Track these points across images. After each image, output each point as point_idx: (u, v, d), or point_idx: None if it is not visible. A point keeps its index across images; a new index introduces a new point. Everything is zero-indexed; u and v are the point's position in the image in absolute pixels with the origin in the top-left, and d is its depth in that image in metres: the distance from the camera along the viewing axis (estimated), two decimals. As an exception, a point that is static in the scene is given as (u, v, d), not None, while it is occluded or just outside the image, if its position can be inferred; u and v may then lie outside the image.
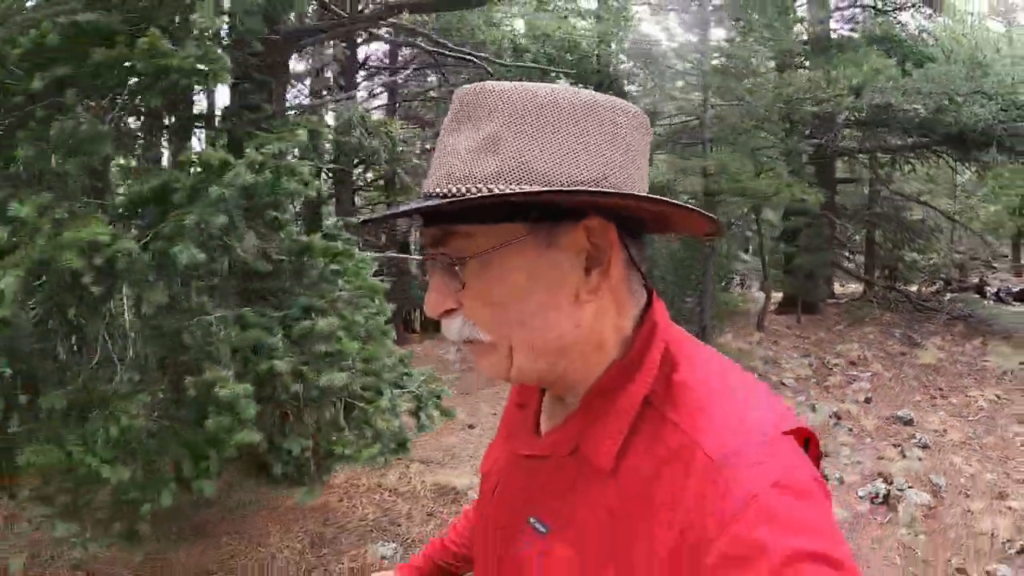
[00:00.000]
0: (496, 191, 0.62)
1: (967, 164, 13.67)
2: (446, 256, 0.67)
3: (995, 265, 19.83)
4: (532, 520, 0.71)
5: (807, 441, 0.65)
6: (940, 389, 9.04)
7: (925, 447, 6.80)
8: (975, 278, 17.44)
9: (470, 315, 0.68)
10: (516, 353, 0.68)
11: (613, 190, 0.65)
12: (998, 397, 8.54)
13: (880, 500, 5.51)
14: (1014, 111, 10.62)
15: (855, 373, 9.73)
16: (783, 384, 8.99)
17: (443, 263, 0.68)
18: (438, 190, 0.65)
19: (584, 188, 0.63)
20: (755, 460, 0.58)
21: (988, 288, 16.76)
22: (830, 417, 7.64)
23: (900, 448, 6.77)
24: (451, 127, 0.67)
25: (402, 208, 0.67)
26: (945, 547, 4.76)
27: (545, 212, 0.65)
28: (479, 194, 0.62)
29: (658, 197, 0.65)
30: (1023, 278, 19.78)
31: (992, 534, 4.91)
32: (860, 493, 5.67)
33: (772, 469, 0.57)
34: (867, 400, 8.48)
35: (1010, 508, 5.35)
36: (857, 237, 16.49)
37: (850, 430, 7.35)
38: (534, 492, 0.73)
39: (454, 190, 0.64)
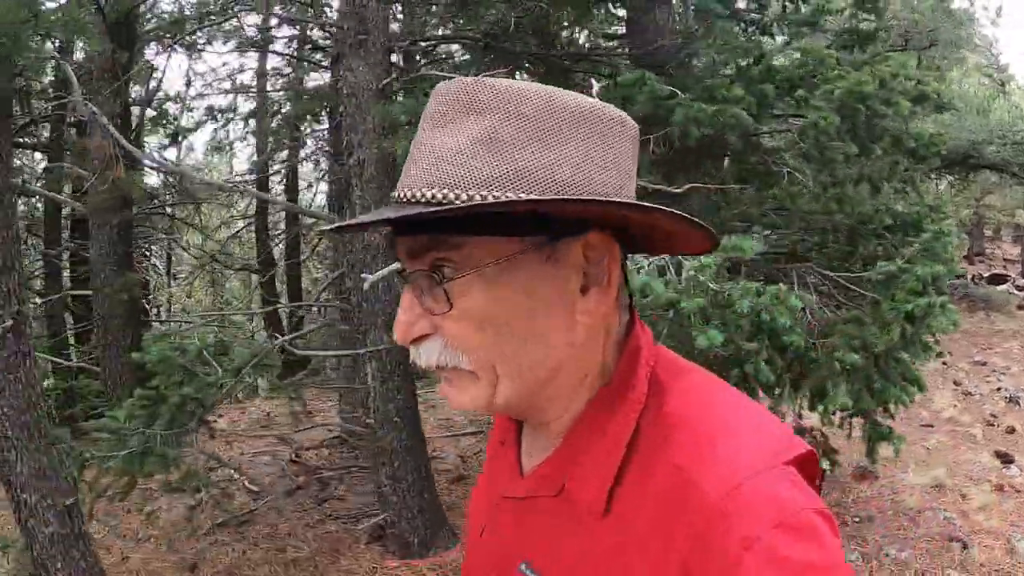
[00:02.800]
0: (505, 198, 0.55)
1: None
2: (430, 272, 0.59)
3: None
4: (523, 566, 0.66)
5: (807, 460, 0.60)
6: None
7: None
8: None
9: (454, 340, 0.60)
10: (502, 381, 0.61)
11: (632, 202, 0.59)
12: None
13: None
14: None
15: None
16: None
17: (426, 280, 0.59)
18: (424, 194, 0.57)
19: (610, 199, 0.58)
20: (755, 498, 0.53)
21: None
22: None
23: None
24: (434, 124, 0.60)
25: (379, 214, 0.58)
26: None
27: (548, 224, 0.58)
28: (483, 201, 0.55)
29: (682, 214, 0.61)
30: None
31: None
32: None
33: (773, 508, 0.53)
34: None
35: None
36: None
37: None
38: (523, 535, 0.68)
39: (451, 196, 0.56)
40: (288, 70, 10.02)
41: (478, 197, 0.55)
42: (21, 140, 8.36)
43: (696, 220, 0.62)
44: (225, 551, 4.91)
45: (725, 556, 0.52)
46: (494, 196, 0.55)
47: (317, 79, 9.12)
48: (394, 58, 5.49)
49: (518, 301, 0.59)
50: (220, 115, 9.93)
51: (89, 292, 7.59)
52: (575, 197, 0.57)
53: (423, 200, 0.57)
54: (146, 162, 7.29)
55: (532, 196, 0.56)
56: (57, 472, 3.44)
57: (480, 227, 0.57)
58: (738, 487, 0.53)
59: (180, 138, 10.11)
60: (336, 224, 0.64)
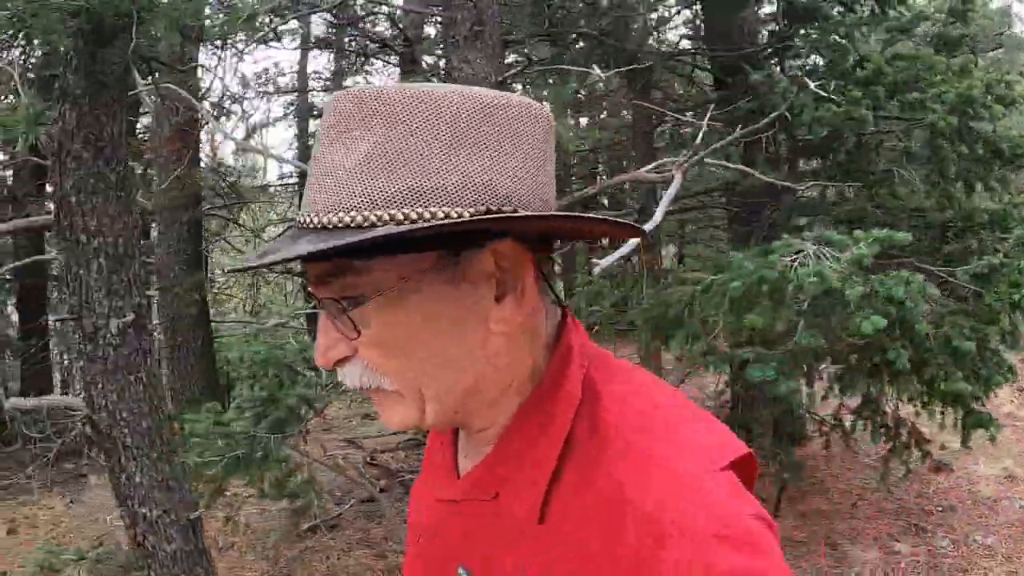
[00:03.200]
0: (400, 217, 0.53)
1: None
2: (337, 300, 0.57)
3: None
4: (461, 570, 0.65)
5: (744, 462, 0.58)
6: None
7: None
8: None
9: (371, 362, 0.59)
10: (427, 400, 0.60)
11: (539, 213, 0.58)
12: None
13: None
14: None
15: None
16: None
17: (334, 307, 0.58)
18: (321, 220, 0.55)
19: (500, 210, 0.56)
20: (691, 508, 0.52)
21: None
22: None
23: None
24: (328, 141, 0.57)
25: (280, 255, 0.56)
26: None
27: (450, 239, 0.56)
28: (381, 224, 0.53)
29: (580, 214, 0.63)
30: None
31: None
32: None
33: (710, 518, 0.51)
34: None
35: None
36: None
37: None
38: (460, 538, 0.67)
39: (346, 219, 0.54)
40: (329, 70, 10.07)
41: (374, 217, 0.53)
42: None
43: (615, 220, 0.62)
44: (319, 558, 4.82)
45: (662, 573, 0.51)
46: (390, 215, 0.53)
47: (381, 74, 9.21)
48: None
49: (428, 320, 0.58)
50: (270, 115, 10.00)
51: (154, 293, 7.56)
52: (482, 215, 0.55)
53: (322, 226, 0.55)
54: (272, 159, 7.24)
55: (432, 211, 0.54)
56: (180, 483, 3.17)
57: (382, 248, 0.55)
58: (673, 496, 0.53)
59: (252, 135, 10.13)
60: (246, 265, 0.62)
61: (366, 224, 0.54)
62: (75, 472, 6.72)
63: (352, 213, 0.54)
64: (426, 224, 0.53)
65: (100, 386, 2.99)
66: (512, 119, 0.58)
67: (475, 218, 0.54)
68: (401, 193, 0.54)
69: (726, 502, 0.53)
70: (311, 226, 0.56)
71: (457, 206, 0.55)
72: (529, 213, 0.58)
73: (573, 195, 5.80)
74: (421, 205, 0.54)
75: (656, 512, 0.52)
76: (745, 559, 0.50)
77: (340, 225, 0.54)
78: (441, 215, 0.54)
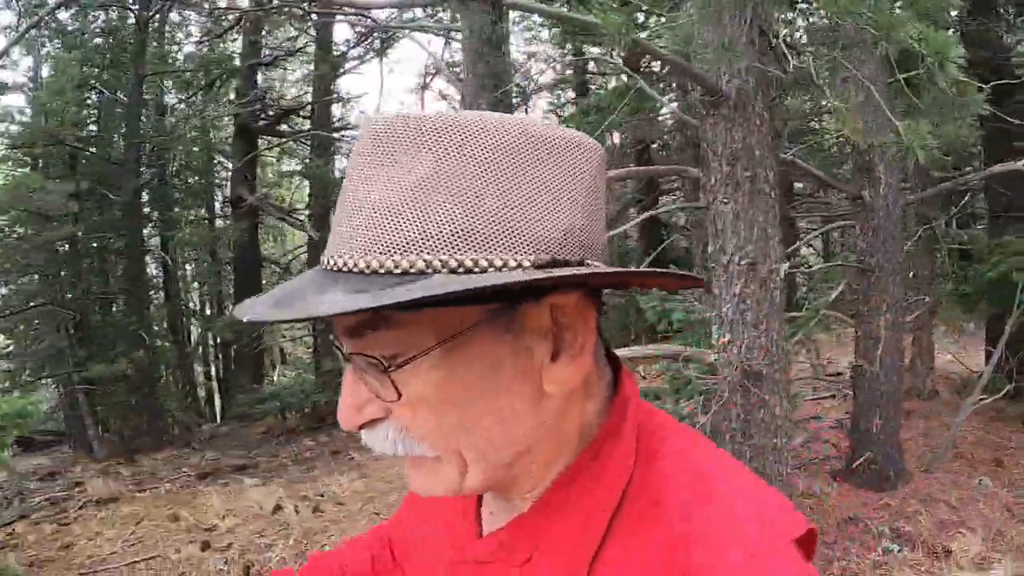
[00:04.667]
0: (454, 264, 0.47)
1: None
2: (373, 358, 0.50)
3: None
4: None
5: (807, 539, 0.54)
6: None
7: None
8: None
9: (407, 426, 0.53)
10: (471, 464, 0.54)
11: (609, 269, 0.53)
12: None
13: None
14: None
15: None
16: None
17: (368, 365, 0.51)
18: (358, 262, 0.48)
19: (567, 260, 0.50)
20: None
21: None
22: None
23: None
24: (365, 171, 0.50)
25: (306, 308, 0.47)
26: None
27: (507, 289, 0.49)
28: (430, 271, 0.47)
29: (651, 270, 0.58)
30: None
31: None
32: None
33: None
34: None
35: None
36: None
37: None
38: None
39: (389, 264, 0.47)
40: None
41: (422, 263, 0.47)
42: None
43: (675, 273, 0.57)
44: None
45: None
46: (442, 261, 0.47)
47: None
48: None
49: (477, 380, 0.51)
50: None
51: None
52: (545, 264, 0.49)
53: (359, 270, 0.48)
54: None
55: (491, 261, 0.47)
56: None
57: (446, 300, 0.46)
58: (743, 563, 0.48)
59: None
60: (254, 319, 0.50)
61: (413, 270, 0.47)
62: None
63: (396, 256, 0.47)
64: (487, 279, 0.46)
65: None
66: (571, 154, 0.52)
67: (546, 275, 0.47)
68: (455, 235, 0.47)
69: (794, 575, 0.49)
70: (343, 268, 0.49)
71: (518, 252, 0.48)
72: (601, 269, 0.52)
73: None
74: (477, 250, 0.47)
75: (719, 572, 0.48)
76: None
77: (381, 271, 0.47)
78: (499, 263, 0.48)
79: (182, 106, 12.27)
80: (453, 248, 0.47)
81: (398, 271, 0.47)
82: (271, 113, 12.09)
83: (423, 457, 0.54)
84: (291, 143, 13.10)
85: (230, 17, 11.73)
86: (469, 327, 0.49)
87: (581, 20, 3.73)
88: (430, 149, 0.48)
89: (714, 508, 0.51)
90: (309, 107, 11.64)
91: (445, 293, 0.44)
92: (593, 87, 12.12)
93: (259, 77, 12.39)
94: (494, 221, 0.48)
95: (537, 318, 0.52)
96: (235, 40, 12.53)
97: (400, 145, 0.49)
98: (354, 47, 12.57)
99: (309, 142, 12.14)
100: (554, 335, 0.53)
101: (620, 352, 3.98)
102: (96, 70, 10.27)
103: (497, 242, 0.48)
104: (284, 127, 12.56)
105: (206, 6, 11.26)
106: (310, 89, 12.45)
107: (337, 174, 11.39)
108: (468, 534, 0.64)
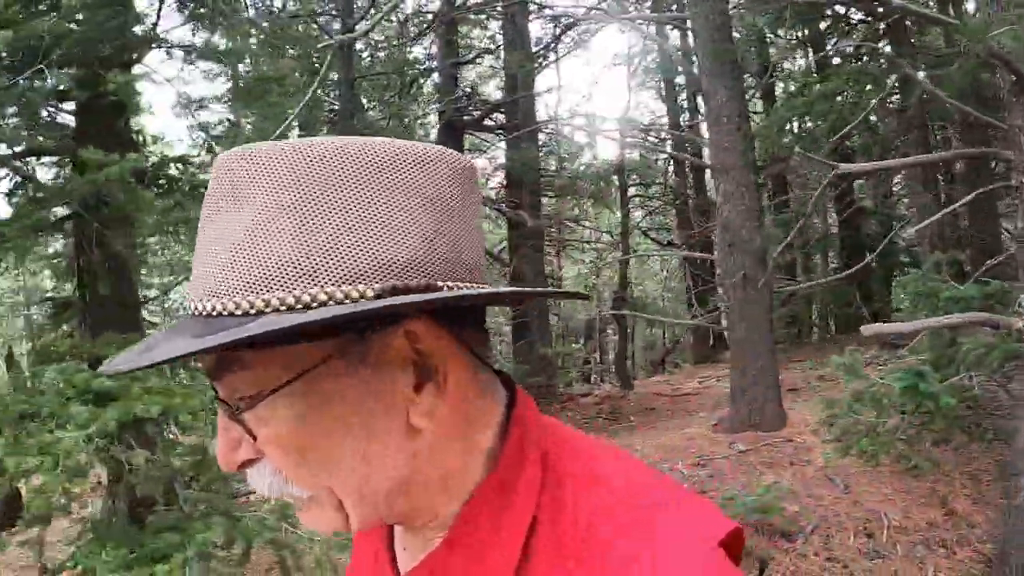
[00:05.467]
0: (291, 301, 0.46)
1: None
2: (225, 402, 0.51)
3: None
4: None
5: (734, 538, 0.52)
6: None
7: None
8: None
9: (278, 466, 0.52)
10: (348, 505, 0.52)
11: (444, 293, 0.49)
12: None
13: None
14: None
15: None
16: None
17: (224, 408, 0.52)
18: (204, 306, 0.49)
19: (408, 287, 0.48)
20: None
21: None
22: None
23: None
24: (209, 211, 0.51)
25: (158, 353, 0.48)
26: None
27: (352, 322, 0.48)
28: (269, 310, 0.46)
29: (509, 290, 0.56)
30: None
31: None
32: None
33: None
34: None
35: None
36: None
37: None
38: None
39: (229, 306, 0.47)
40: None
41: (261, 303, 0.47)
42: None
43: (534, 291, 0.58)
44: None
45: None
46: (279, 299, 0.47)
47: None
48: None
49: (338, 416, 0.50)
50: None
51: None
52: (388, 292, 0.48)
53: (206, 312, 0.49)
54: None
55: (331, 294, 0.47)
56: None
57: (262, 338, 0.46)
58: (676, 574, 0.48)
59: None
60: (123, 368, 0.50)
61: (252, 311, 0.47)
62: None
63: (235, 298, 0.48)
64: (316, 315, 0.45)
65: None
66: (422, 171, 0.51)
67: (380, 304, 0.46)
68: (289, 271, 0.47)
69: None
70: (194, 313, 0.50)
71: (359, 283, 0.48)
72: (444, 294, 0.50)
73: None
74: (315, 284, 0.47)
75: None
76: None
77: (225, 312, 0.48)
78: (340, 295, 0.47)
79: (377, 109, 12.72)
80: (289, 285, 0.47)
81: (239, 312, 0.47)
82: (474, 112, 12.70)
83: (301, 498, 0.53)
84: (490, 137, 13.63)
85: (423, 20, 12.29)
86: (319, 362, 0.49)
87: (937, 18, 3.79)
88: (262, 187, 0.48)
89: (635, 527, 0.51)
90: (511, 102, 12.10)
91: (263, 332, 0.44)
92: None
93: (458, 75, 12.98)
94: (328, 253, 0.47)
95: (392, 349, 0.50)
96: (428, 41, 13.07)
97: (239, 183, 0.49)
98: (553, 41, 12.90)
99: (507, 136, 12.58)
100: (415, 363, 0.51)
101: (915, 324, 3.99)
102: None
103: (332, 275, 0.47)
104: (488, 122, 13.10)
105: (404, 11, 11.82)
106: (508, 85, 12.88)
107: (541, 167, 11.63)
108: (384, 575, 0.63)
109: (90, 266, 4.45)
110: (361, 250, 0.48)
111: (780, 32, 9.97)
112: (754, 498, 4.39)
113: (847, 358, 4.54)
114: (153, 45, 5.01)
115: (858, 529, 4.28)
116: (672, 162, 13.92)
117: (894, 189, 11.83)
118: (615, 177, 12.66)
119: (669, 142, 13.43)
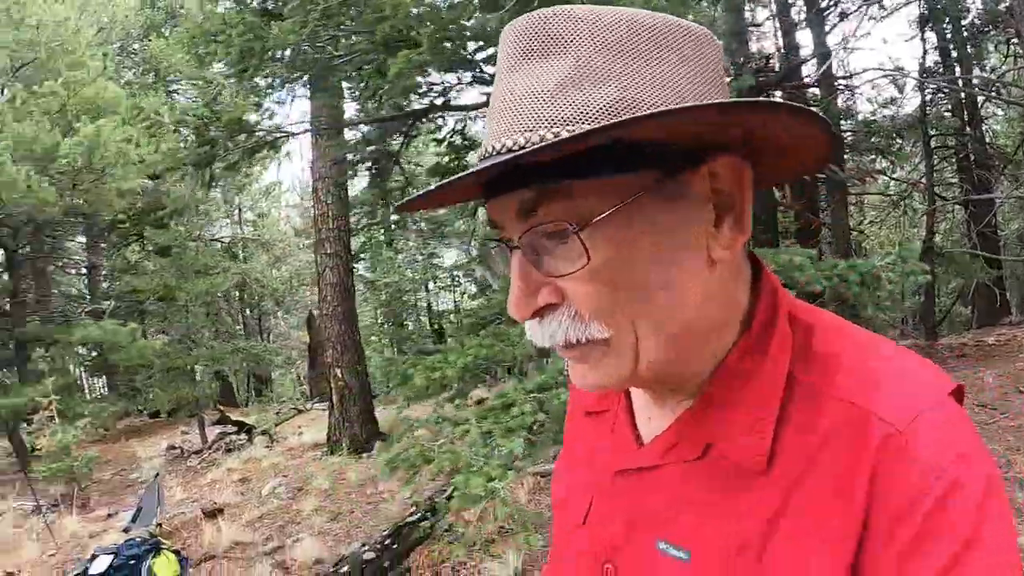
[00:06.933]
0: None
1: None
2: (562, 221, 0.52)
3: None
4: (662, 545, 0.59)
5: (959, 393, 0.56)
6: None
7: None
8: None
9: (585, 303, 0.54)
10: (644, 343, 0.55)
11: (757, 100, 0.51)
12: None
13: None
14: None
15: None
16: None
17: (546, 239, 0.53)
18: (514, 142, 0.51)
19: (735, 100, 0.49)
20: (938, 427, 0.51)
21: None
22: None
23: None
24: (514, 66, 0.53)
25: (480, 165, 0.51)
26: None
27: (664, 156, 0.52)
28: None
29: (802, 106, 0.51)
30: None
31: None
32: None
33: (955, 437, 0.51)
34: None
35: None
36: None
37: None
38: (651, 511, 0.60)
39: (548, 136, 0.49)
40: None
41: (584, 131, 0.47)
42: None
43: (813, 111, 0.52)
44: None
45: (911, 490, 0.49)
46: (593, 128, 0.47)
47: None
48: None
49: (649, 248, 0.53)
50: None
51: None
52: (692, 104, 0.50)
53: (519, 147, 0.50)
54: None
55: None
56: None
57: (587, 168, 0.50)
58: (920, 415, 0.51)
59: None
60: (414, 195, 0.55)
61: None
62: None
63: (556, 128, 0.49)
64: (629, 119, 0.47)
65: None
66: (698, 39, 0.55)
67: (679, 108, 0.49)
68: (611, 109, 0.50)
69: (963, 422, 0.52)
70: (497, 151, 0.52)
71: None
72: (770, 100, 0.52)
73: None
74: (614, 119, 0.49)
75: (908, 427, 0.50)
76: (982, 482, 0.49)
77: (531, 144, 0.49)
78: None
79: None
80: (589, 120, 0.49)
81: (540, 143, 0.49)
82: (776, 70, 13.00)
83: (592, 345, 0.55)
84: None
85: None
86: (632, 195, 0.51)
87: None
88: (563, 45, 0.51)
89: (879, 381, 0.53)
90: (812, 59, 12.22)
91: (631, 119, 0.47)
92: None
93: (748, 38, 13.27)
94: (625, 98, 0.50)
95: (698, 184, 0.54)
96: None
97: (538, 45, 0.52)
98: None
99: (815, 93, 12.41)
100: (715, 203, 0.55)
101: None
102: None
103: (642, 109, 0.50)
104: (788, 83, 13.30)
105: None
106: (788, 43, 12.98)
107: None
108: (625, 447, 0.65)
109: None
110: (664, 90, 0.51)
111: None
112: None
113: None
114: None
115: None
116: (964, 111, 13.23)
117: None
118: (916, 128, 12.44)
119: (974, 87, 12.75)
